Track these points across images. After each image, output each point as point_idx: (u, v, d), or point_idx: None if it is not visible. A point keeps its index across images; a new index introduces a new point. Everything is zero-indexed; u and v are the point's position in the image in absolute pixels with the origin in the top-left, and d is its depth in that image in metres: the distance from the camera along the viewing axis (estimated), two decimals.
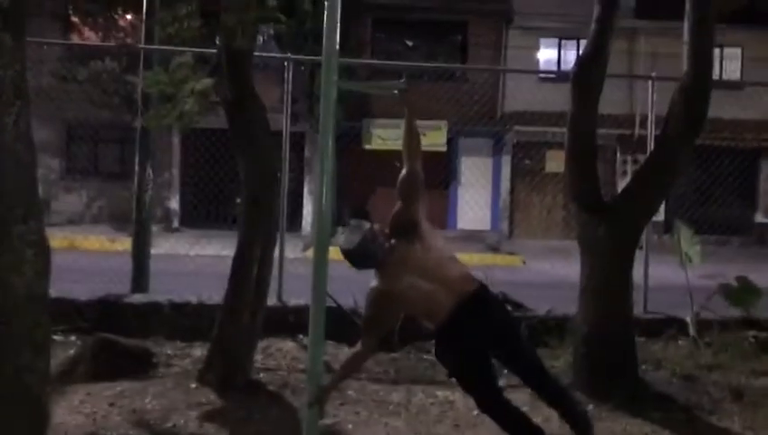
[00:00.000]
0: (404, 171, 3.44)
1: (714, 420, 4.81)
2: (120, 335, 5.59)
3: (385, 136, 16.89)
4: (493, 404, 3.62)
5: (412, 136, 3.45)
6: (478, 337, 3.44)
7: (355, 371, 3.92)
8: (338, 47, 3.20)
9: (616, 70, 7.77)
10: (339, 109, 8.70)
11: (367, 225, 3.38)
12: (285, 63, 6.72)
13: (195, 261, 8.18)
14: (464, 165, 17.34)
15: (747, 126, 16.06)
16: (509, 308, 6.14)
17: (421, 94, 11.53)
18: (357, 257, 3.35)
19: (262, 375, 5.24)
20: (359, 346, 3.49)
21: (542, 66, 17.86)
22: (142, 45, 7.23)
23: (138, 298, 6.41)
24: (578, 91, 5.22)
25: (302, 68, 14.70)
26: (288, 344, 5.92)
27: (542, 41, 18.05)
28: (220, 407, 4.63)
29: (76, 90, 14.56)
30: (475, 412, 4.73)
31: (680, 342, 6.35)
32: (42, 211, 3.14)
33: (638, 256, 5.73)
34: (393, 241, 3.40)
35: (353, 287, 6.28)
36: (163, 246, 8.83)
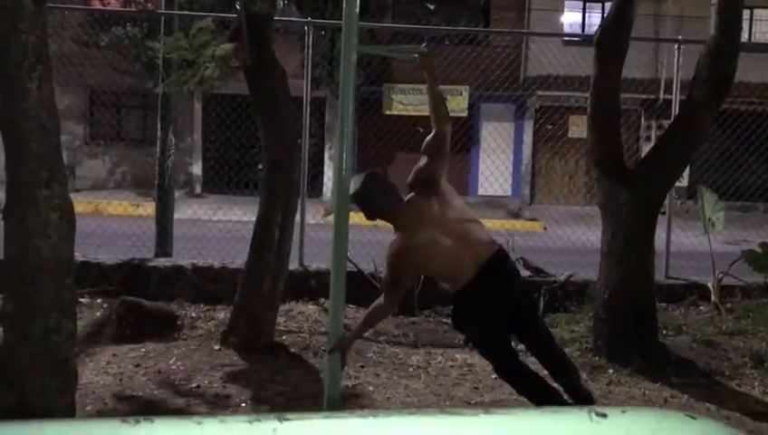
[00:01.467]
0: (432, 132, 3.42)
1: (734, 385, 4.81)
2: (145, 298, 5.69)
3: (406, 101, 16.78)
4: (510, 370, 3.64)
5: (436, 100, 3.42)
6: (498, 302, 3.45)
7: (376, 322, 3.92)
8: (358, 11, 3.17)
9: (641, 33, 7.64)
10: (359, 74, 8.67)
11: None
12: (306, 28, 6.69)
13: (217, 226, 8.25)
14: (485, 130, 17.19)
15: None
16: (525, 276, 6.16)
17: (443, 59, 11.42)
18: (361, 200, 3.31)
19: (284, 337, 5.32)
20: (381, 299, 3.49)
21: (566, 30, 17.55)
22: (163, 10, 7.22)
23: (162, 262, 6.50)
24: (602, 54, 5.15)
25: (323, 33, 14.61)
26: (310, 308, 5.99)
27: (567, 3, 17.70)
28: (243, 368, 4.72)
29: (98, 56, 14.60)
30: (494, 375, 4.78)
31: (702, 307, 6.32)
32: (65, 176, 3.18)
33: (661, 222, 5.69)
34: (412, 195, 3.38)
35: (373, 252, 6.33)
36: (186, 212, 8.91)
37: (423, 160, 3.41)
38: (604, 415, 0.95)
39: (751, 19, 16.09)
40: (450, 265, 3.43)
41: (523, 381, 3.64)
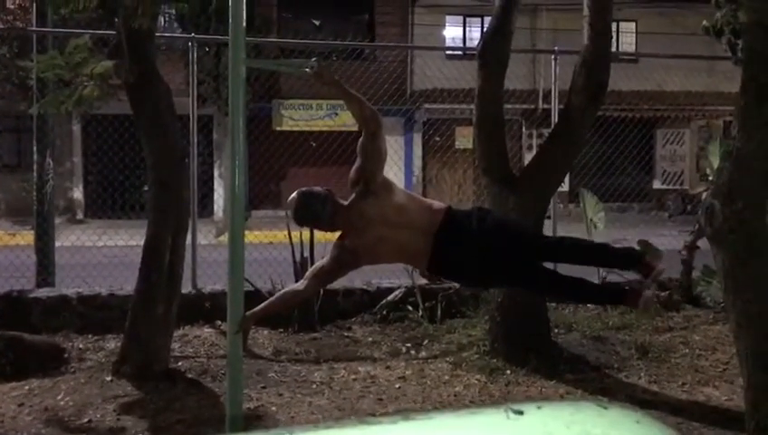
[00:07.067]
0: (363, 134, 3.38)
1: (622, 376, 5.06)
2: (27, 332, 5.35)
3: (296, 117, 16.71)
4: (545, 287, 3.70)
5: (353, 104, 3.35)
6: (468, 251, 3.26)
7: (284, 306, 3.88)
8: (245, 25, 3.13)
9: (519, 45, 7.94)
10: (247, 90, 8.55)
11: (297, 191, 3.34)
12: (189, 44, 6.53)
13: (102, 252, 7.89)
14: None
15: (643, 97, 16.78)
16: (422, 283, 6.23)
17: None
18: (303, 218, 3.32)
19: (180, 363, 5.13)
20: (299, 284, 3.42)
21: (448, 44, 18.04)
22: (34, 28, 6.87)
23: (44, 292, 6.13)
24: (485, 65, 5.31)
25: (207, 49, 14.36)
26: (205, 331, 5.82)
27: (448, 18, 18.22)
28: (138, 398, 4.51)
29: None
30: (398, 385, 4.81)
31: (589, 305, 6.62)
32: None
33: (547, 225, 5.93)
34: (351, 198, 3.35)
35: (269, 270, 6.24)
36: (68, 239, 8.45)
37: (358, 161, 3.37)
38: (521, 412, 0.97)
39: (618, 31, 17.13)
40: (405, 255, 3.41)
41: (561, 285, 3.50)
